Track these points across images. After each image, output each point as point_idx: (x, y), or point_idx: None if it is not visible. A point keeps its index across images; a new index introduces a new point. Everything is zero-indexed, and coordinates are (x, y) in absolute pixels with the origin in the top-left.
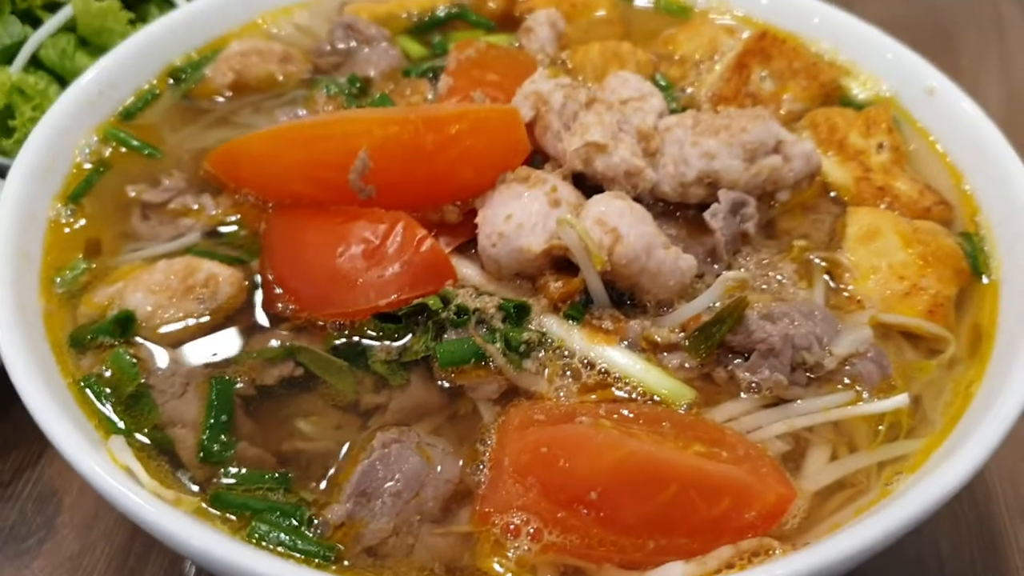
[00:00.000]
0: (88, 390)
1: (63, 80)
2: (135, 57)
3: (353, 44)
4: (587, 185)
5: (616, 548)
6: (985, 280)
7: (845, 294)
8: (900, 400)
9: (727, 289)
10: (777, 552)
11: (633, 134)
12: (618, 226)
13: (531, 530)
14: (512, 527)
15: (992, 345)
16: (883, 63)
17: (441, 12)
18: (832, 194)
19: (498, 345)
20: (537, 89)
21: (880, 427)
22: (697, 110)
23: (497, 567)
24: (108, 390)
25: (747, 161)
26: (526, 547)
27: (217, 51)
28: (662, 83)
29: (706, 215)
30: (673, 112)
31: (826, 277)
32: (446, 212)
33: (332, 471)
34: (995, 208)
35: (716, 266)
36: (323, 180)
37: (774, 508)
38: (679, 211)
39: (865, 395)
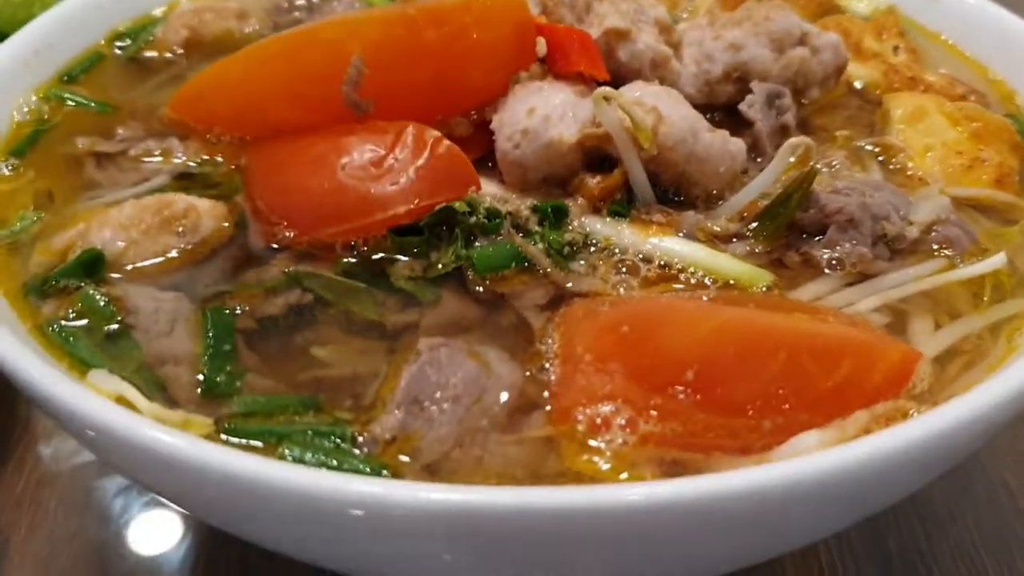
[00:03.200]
0: (55, 333)
1: None
2: (73, 18)
3: (317, 1)
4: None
5: (725, 432)
6: None
7: (907, 173)
8: (998, 260)
9: (792, 161)
10: (915, 413)
11: (652, 23)
12: (658, 106)
13: (623, 421)
14: (600, 419)
15: None
16: None
17: None
18: (861, 92)
19: (540, 246)
20: None
21: (983, 291)
22: None
23: (595, 465)
24: (79, 334)
25: (775, 51)
26: (620, 440)
27: (164, 16)
28: None
29: (742, 107)
30: None
31: (880, 161)
32: (454, 125)
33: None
34: None
35: (759, 160)
36: (310, 98)
37: (900, 369)
38: (707, 113)
39: (957, 260)
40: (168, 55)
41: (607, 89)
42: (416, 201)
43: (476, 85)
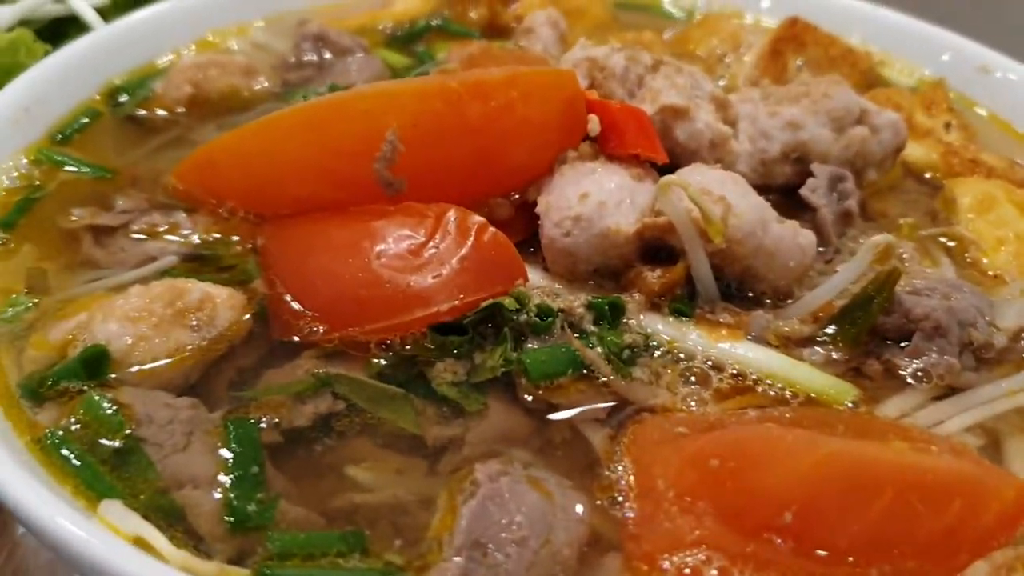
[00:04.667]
0: (56, 448)
1: None
2: (66, 72)
3: (327, 56)
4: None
5: None
6: None
7: (981, 269)
8: None
9: (873, 259)
10: None
11: (708, 99)
12: (726, 194)
13: (715, 572)
14: (689, 570)
15: None
16: (922, 48)
17: (420, 23)
18: (917, 173)
19: (600, 350)
20: (590, 55)
21: None
22: None
23: None
24: (84, 450)
25: (835, 131)
26: None
27: (161, 71)
28: None
29: (803, 192)
30: None
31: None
32: (495, 206)
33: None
34: None
35: (822, 250)
36: (338, 174)
37: (1015, 507)
38: (761, 195)
39: None
40: (168, 113)
41: (674, 178)
42: (460, 297)
43: (520, 164)
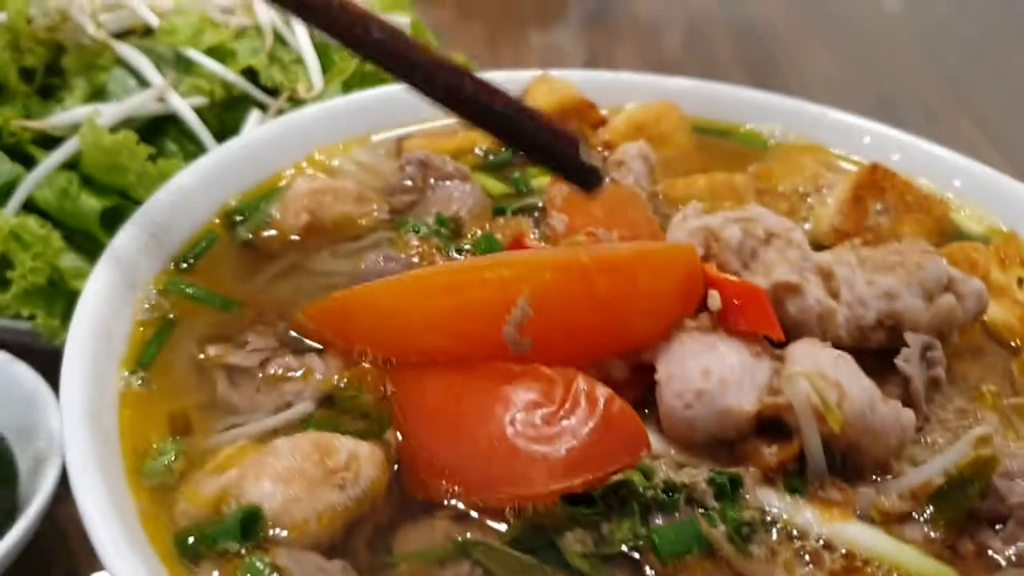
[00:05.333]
0: None
1: (61, 224)
2: (189, 196)
3: (432, 181)
4: None
5: None
6: None
7: None
8: None
9: (974, 447)
10: None
11: (815, 271)
12: (840, 380)
13: None
14: None
15: None
16: (991, 196)
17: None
18: (1010, 341)
19: (723, 528)
20: (706, 224)
21: None
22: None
23: None
24: None
25: (926, 300)
26: None
27: (273, 189)
28: None
29: (898, 361)
30: None
31: None
32: (611, 368)
33: None
34: None
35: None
36: (469, 333)
37: None
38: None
39: None
40: (284, 239)
41: (798, 368)
42: (593, 471)
43: (639, 332)
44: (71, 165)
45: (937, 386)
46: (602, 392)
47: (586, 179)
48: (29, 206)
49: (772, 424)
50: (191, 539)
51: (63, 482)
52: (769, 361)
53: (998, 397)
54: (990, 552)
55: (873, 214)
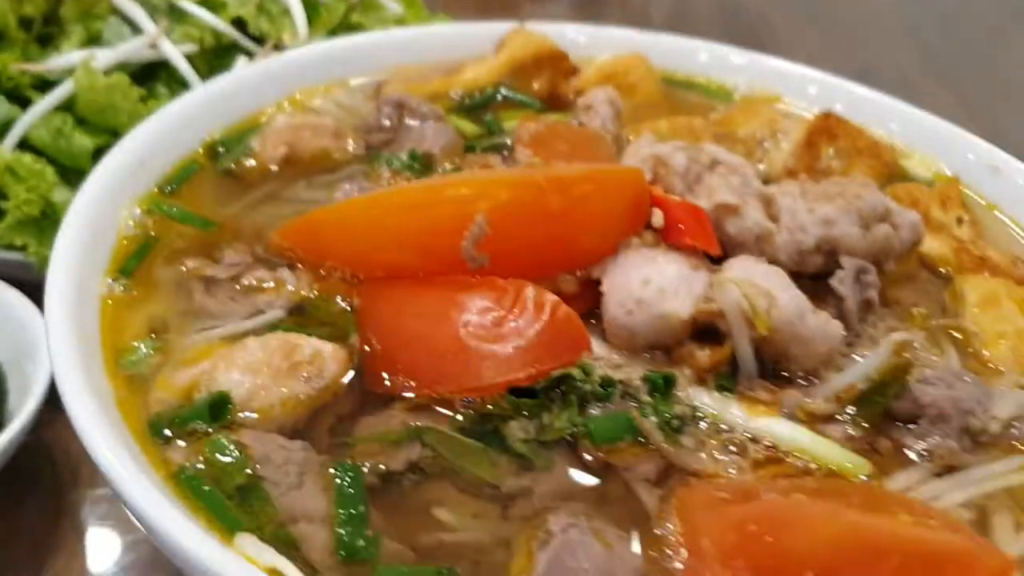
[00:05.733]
0: (191, 483)
1: (55, 162)
2: (175, 127)
3: (408, 122)
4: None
5: None
6: None
7: (981, 360)
8: None
9: (892, 352)
10: None
11: (757, 197)
12: (770, 289)
13: None
14: None
15: None
16: (939, 145)
17: (488, 92)
18: (931, 265)
19: (654, 419)
20: (655, 152)
21: None
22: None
23: None
24: (212, 483)
25: (863, 228)
26: None
27: (255, 126)
28: None
29: (833, 282)
30: None
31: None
32: (562, 282)
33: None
34: None
35: (845, 334)
36: (431, 248)
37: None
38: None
39: None
40: (263, 170)
41: (728, 275)
42: (535, 365)
43: (589, 248)
44: (66, 107)
45: (870, 307)
46: (549, 299)
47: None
48: (25, 145)
49: (707, 331)
50: (162, 421)
51: (50, 407)
52: (706, 273)
53: (927, 318)
54: (905, 449)
55: (826, 158)
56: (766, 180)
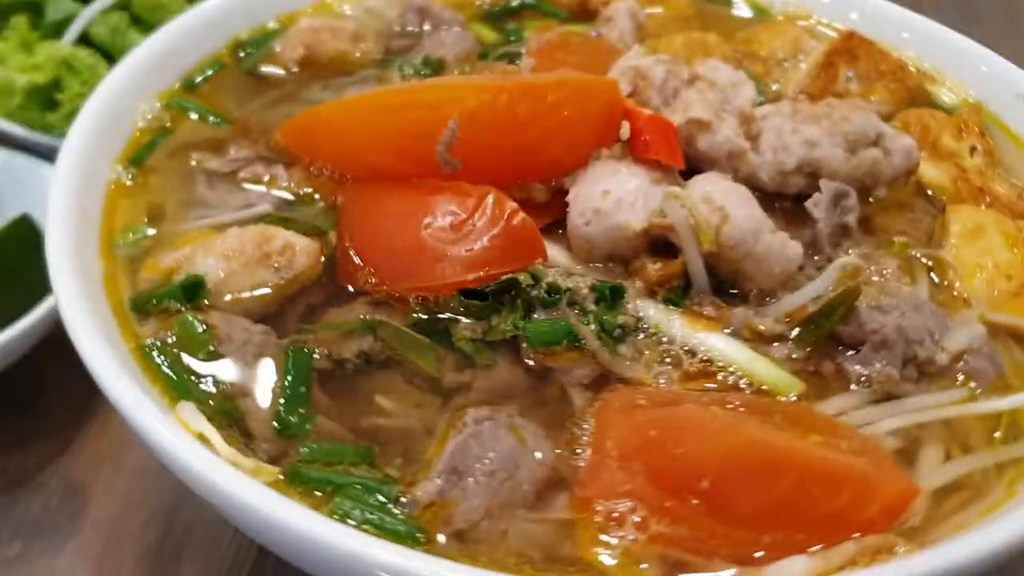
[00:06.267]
0: (153, 355)
1: (112, 58)
2: (201, 26)
3: (426, 27)
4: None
5: (728, 541)
6: None
7: (953, 292)
8: (1019, 399)
9: (840, 276)
10: (901, 551)
11: (735, 115)
12: (725, 205)
13: (637, 519)
14: (616, 515)
15: None
16: (971, 70)
17: (515, 1)
18: (928, 193)
19: (592, 327)
20: (636, 64)
21: (997, 428)
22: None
23: (604, 558)
24: (174, 357)
25: (848, 151)
26: (632, 537)
27: (284, 28)
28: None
29: (808, 204)
30: (761, 105)
31: (930, 275)
32: (533, 190)
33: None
34: None
35: (816, 258)
36: (407, 150)
37: (896, 503)
38: (776, 201)
39: (979, 393)
40: (283, 71)
41: (676, 189)
42: (486, 269)
43: (559, 157)
44: (123, 6)
45: (846, 232)
46: (509, 206)
47: None
48: (85, 40)
49: (667, 246)
50: (142, 299)
51: None
52: (667, 187)
53: (906, 247)
54: (846, 374)
55: (843, 80)
56: (776, 99)
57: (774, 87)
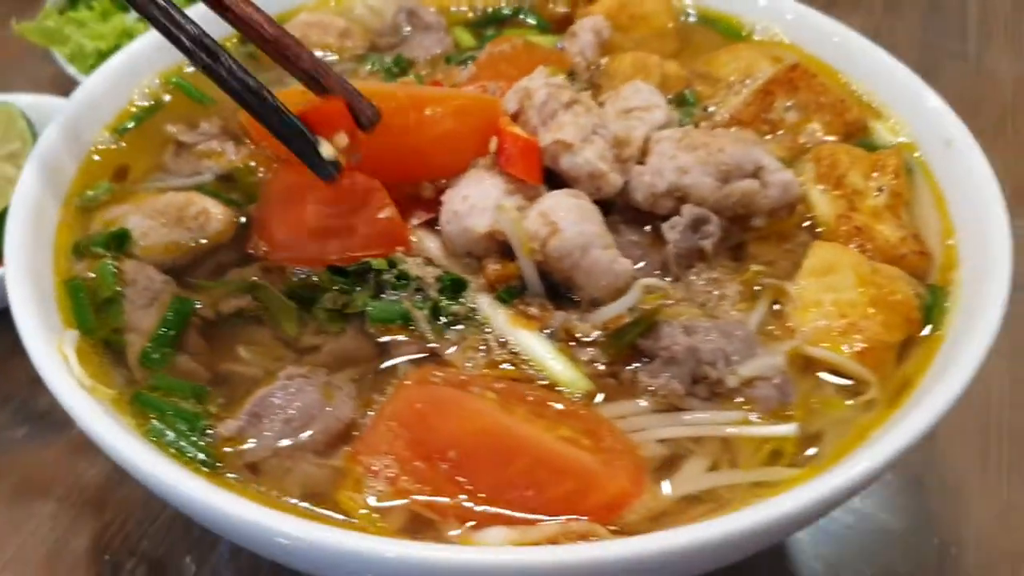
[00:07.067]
0: (70, 290)
1: None
2: (208, 17)
3: (409, 29)
4: (560, 182)
5: (462, 508)
6: (934, 334)
7: (784, 322)
8: (785, 429)
9: (646, 296)
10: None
11: (609, 139)
12: (558, 220)
13: (390, 475)
14: (374, 468)
15: (908, 397)
16: (912, 109)
17: (505, 10)
18: (818, 229)
19: (424, 311)
20: (526, 85)
21: (762, 450)
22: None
23: (350, 500)
24: (86, 293)
25: (720, 180)
26: (381, 488)
27: (284, 21)
28: (690, 99)
29: (664, 226)
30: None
31: (776, 305)
32: (422, 188)
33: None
34: (969, 266)
35: (667, 278)
36: None
37: (614, 500)
38: (650, 220)
39: (755, 418)
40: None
41: (506, 202)
42: (349, 252)
43: (443, 162)
44: None
45: (702, 255)
46: (382, 201)
47: (322, 172)
48: None
49: (511, 250)
50: (81, 245)
51: None
52: (521, 199)
53: (758, 275)
54: (638, 381)
55: (780, 109)
56: (712, 124)
57: (711, 109)
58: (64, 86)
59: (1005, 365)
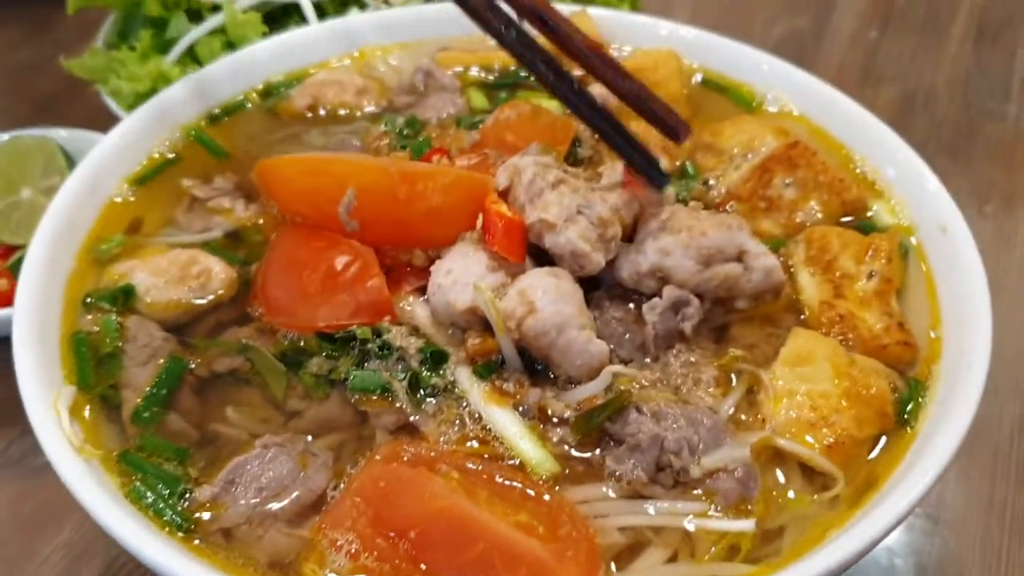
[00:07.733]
0: (74, 344)
1: None
2: (245, 66)
3: (423, 89)
4: (546, 259)
5: None
6: (907, 431)
7: (756, 411)
8: (742, 524)
9: (617, 380)
10: None
11: (594, 219)
12: (535, 300)
13: (352, 550)
14: (338, 543)
15: (871, 498)
16: (913, 191)
17: (517, 75)
18: (802, 316)
19: (404, 383)
20: (516, 163)
21: (719, 543)
22: (708, 205)
23: (313, 574)
24: (90, 348)
25: (701, 264)
26: (342, 564)
27: (309, 75)
28: (690, 171)
29: (644, 307)
30: (680, 201)
31: (752, 392)
32: (414, 256)
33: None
34: (949, 360)
35: (647, 359)
36: (322, 207)
37: None
38: (635, 297)
39: (715, 511)
40: (292, 115)
41: (482, 281)
42: (336, 320)
43: (433, 233)
44: (223, 31)
45: (681, 336)
46: (371, 271)
47: (659, 182)
48: (193, 55)
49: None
50: (89, 297)
51: None
52: (503, 276)
53: (736, 360)
54: (604, 466)
55: (779, 186)
56: (702, 197)
57: (711, 183)
58: (111, 119)
59: None
